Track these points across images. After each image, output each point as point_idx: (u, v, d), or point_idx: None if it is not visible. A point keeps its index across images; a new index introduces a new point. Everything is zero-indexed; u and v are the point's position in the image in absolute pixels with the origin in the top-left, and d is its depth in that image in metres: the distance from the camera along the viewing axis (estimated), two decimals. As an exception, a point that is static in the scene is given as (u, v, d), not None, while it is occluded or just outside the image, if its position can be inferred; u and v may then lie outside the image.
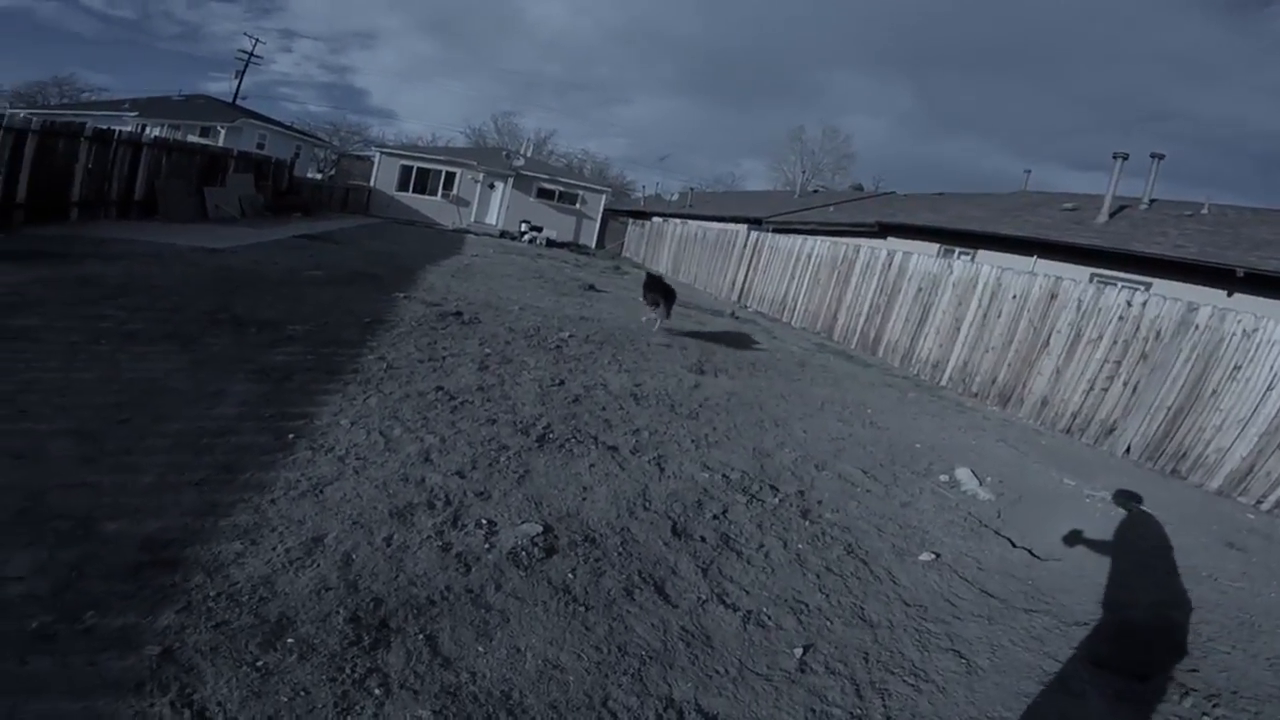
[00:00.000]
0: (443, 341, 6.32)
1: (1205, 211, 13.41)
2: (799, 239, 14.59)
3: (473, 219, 27.40)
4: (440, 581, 2.62)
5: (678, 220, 24.53)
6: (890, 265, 11.28)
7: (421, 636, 2.30)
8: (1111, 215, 13.71)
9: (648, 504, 3.68)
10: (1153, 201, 14.42)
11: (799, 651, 2.65)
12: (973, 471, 5.21)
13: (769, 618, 2.86)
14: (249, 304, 6.42)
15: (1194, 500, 5.91)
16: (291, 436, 3.64)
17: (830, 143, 50.21)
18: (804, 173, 43.19)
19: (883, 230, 17.12)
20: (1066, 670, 2.86)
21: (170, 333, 5.11)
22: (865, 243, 13.21)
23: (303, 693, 1.95)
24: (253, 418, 3.82)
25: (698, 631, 2.66)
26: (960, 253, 14.35)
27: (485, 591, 2.62)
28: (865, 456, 5.29)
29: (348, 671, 2.07)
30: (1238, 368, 6.42)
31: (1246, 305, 8.76)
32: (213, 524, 2.70)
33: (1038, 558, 3.99)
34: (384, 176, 27.01)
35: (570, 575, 2.86)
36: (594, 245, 28.68)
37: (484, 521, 3.13)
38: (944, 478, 5.11)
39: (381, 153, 28.07)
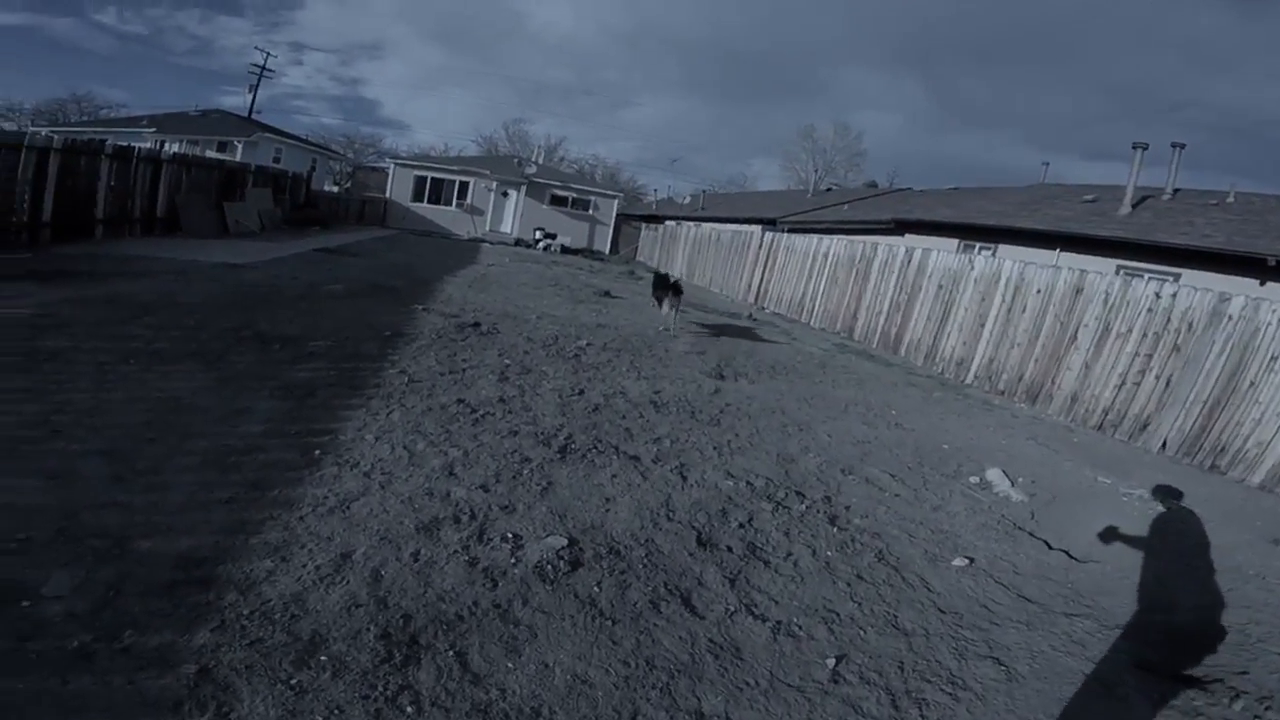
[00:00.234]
0: (462, 353, 6.35)
1: (1231, 200, 13.09)
2: (815, 238, 14.49)
3: (487, 228, 27.61)
4: (468, 597, 2.62)
5: (691, 223, 24.50)
6: (910, 262, 11.15)
7: (451, 653, 2.29)
8: (1134, 206, 13.44)
9: (671, 514, 3.65)
10: (1176, 191, 14.12)
11: (831, 662, 2.61)
12: (1004, 472, 5.11)
13: (799, 628, 2.82)
14: (271, 320, 6.50)
15: (1235, 496, 5.75)
16: (317, 452, 3.67)
17: (842, 140, 50.01)
18: (816, 171, 42.88)
19: (900, 227, 16.95)
20: (1110, 675, 2.78)
21: (195, 351, 5.19)
22: (882, 240, 13.07)
23: (337, 711, 1.95)
24: (278, 434, 3.86)
25: (726, 643, 2.63)
26: (980, 248, 14.17)
27: (513, 606, 2.61)
28: (892, 459, 5.21)
29: (380, 689, 2.07)
30: (1275, 358, 6.24)
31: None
32: (243, 541, 2.72)
33: (1075, 559, 3.90)
34: (399, 188, 27.30)
35: (596, 588, 2.84)
36: (608, 251, 28.76)
37: (509, 535, 3.13)
38: (974, 479, 5.02)
39: (396, 164, 28.39)
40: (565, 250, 25.44)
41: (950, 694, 2.54)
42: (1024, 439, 6.59)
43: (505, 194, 28.12)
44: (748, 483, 4.26)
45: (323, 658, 2.16)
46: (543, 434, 4.51)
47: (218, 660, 2.07)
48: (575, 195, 29.12)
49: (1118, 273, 9.81)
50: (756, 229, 17.60)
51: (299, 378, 4.91)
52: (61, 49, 69.49)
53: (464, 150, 50.75)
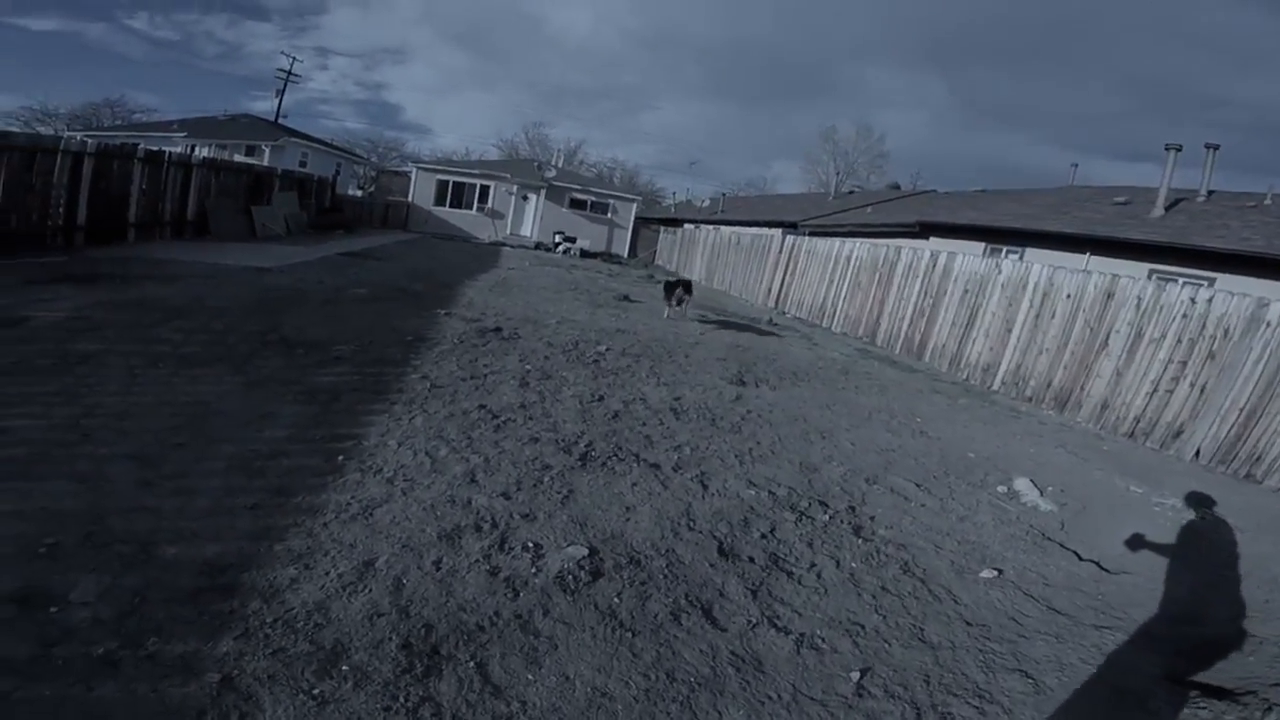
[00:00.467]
0: (484, 358, 6.38)
1: (1269, 202, 12.72)
2: (836, 242, 14.34)
3: (508, 231, 27.79)
4: (489, 607, 2.61)
5: (710, 227, 24.41)
6: (934, 266, 10.98)
7: (472, 664, 2.28)
8: (1167, 209, 13.11)
9: (692, 523, 3.62)
10: (1211, 193, 13.75)
11: (856, 675, 2.56)
12: (1032, 481, 4.99)
13: (823, 640, 2.76)
14: (297, 324, 6.58)
15: (1272, 505, 5.56)
16: (341, 458, 3.69)
17: (864, 141, 49.38)
18: (838, 173, 42.60)
19: (924, 230, 16.72)
20: (1142, 688, 2.70)
21: (223, 355, 5.27)
22: (906, 244, 12.91)
23: (358, 723, 1.95)
24: (303, 440, 3.89)
25: (748, 656, 2.59)
26: (1007, 251, 13.92)
27: (533, 617, 2.59)
28: (917, 468, 5.12)
29: (401, 700, 2.06)
30: (1317, 367, 6.03)
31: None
32: (267, 548, 2.74)
33: (1106, 571, 3.79)
34: (421, 192, 27.61)
35: (616, 599, 2.81)
36: (626, 254, 28.78)
37: (530, 544, 3.11)
38: (1002, 489, 4.91)
39: (418, 168, 28.74)
40: (584, 254, 25.51)
41: (977, 708, 2.47)
42: (1052, 447, 6.45)
43: (525, 198, 28.30)
44: (770, 492, 4.21)
45: (344, 668, 2.16)
46: (563, 441, 4.50)
47: (241, 669, 2.08)
48: (594, 199, 29.20)
49: (1150, 277, 9.58)
50: (777, 232, 17.48)
51: (323, 382, 4.96)
52: (95, 54, 71.63)
53: (485, 154, 51.26)
